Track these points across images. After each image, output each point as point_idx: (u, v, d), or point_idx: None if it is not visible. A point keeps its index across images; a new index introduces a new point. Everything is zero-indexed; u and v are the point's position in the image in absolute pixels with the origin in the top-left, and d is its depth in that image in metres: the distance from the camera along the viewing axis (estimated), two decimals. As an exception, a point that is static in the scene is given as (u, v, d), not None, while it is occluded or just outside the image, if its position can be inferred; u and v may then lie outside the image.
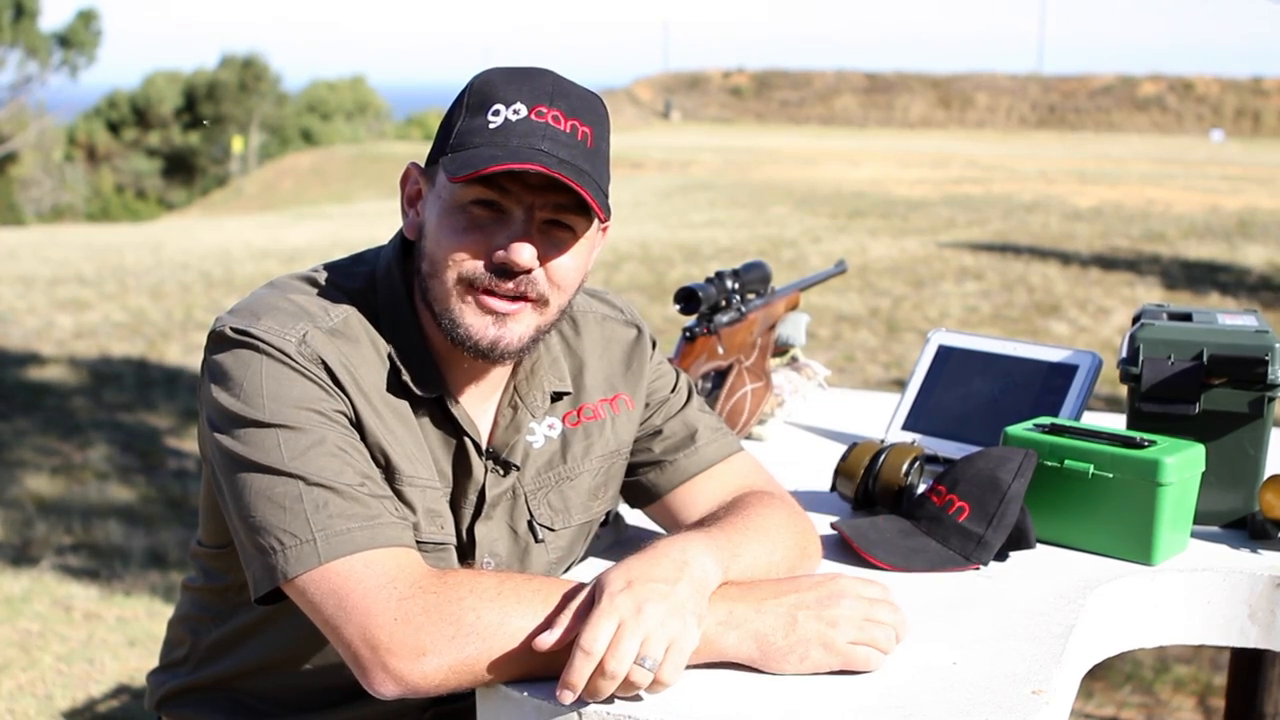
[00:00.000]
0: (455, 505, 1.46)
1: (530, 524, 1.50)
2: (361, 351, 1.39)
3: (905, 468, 1.75)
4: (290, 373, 1.32)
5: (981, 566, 1.58)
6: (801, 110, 59.07)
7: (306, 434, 1.29)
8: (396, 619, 1.20)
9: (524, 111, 1.33)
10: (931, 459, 2.00)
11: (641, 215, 17.03)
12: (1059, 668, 1.29)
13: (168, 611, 3.94)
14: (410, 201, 1.45)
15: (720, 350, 2.11)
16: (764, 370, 2.19)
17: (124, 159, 44.40)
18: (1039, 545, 1.66)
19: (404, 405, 1.41)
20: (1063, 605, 1.47)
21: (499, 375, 1.48)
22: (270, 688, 1.52)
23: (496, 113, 1.34)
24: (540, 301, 1.38)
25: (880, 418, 2.29)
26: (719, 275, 2.12)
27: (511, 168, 1.30)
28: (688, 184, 22.99)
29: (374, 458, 1.36)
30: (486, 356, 1.39)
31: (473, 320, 1.37)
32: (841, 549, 1.63)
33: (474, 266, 1.35)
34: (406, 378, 1.40)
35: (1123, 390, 1.85)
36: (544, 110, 1.34)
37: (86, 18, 39.98)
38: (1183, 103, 53.67)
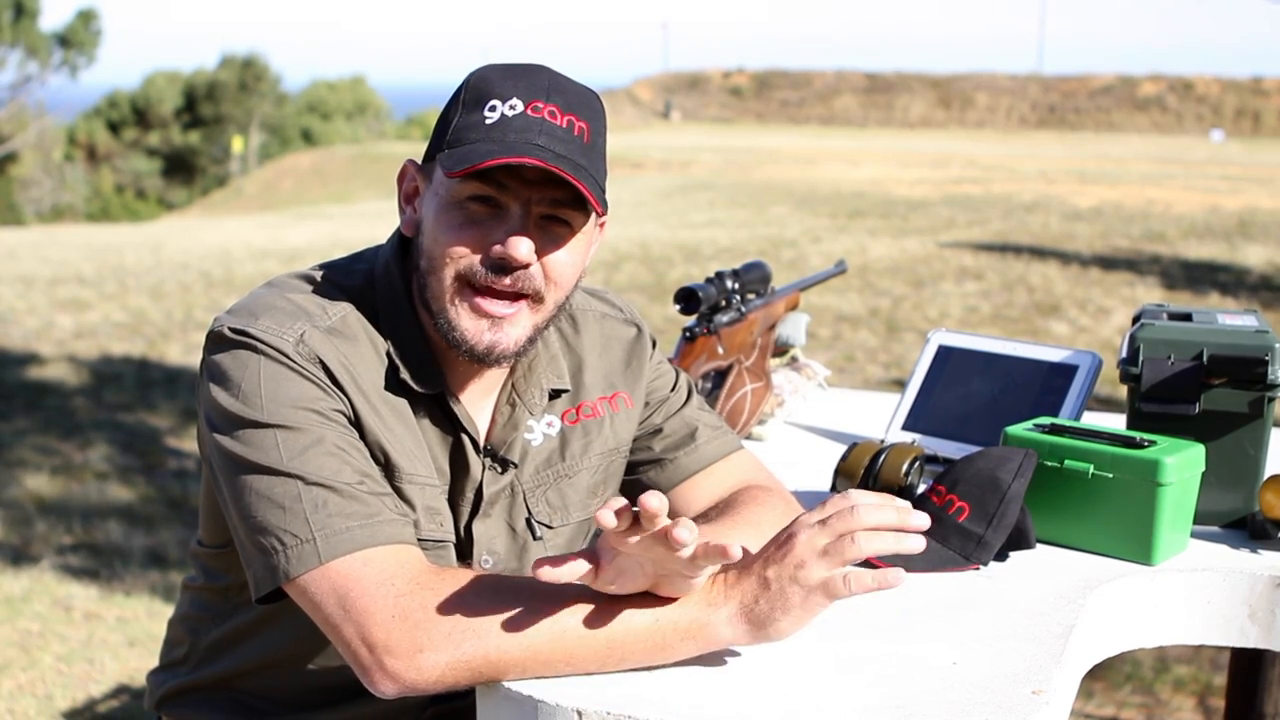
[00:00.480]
0: (453, 503, 1.46)
1: (529, 522, 1.50)
2: (360, 350, 1.39)
3: (905, 468, 1.75)
4: (288, 372, 1.32)
5: (981, 566, 1.58)
6: (801, 110, 59.08)
7: (305, 433, 1.29)
8: (394, 616, 1.20)
9: (520, 107, 1.33)
10: (931, 459, 2.00)
11: (641, 215, 17.03)
12: (1059, 668, 1.29)
13: (168, 611, 3.94)
14: (408, 199, 1.45)
15: (720, 350, 2.11)
16: (764, 370, 2.19)
17: (124, 159, 44.41)
18: (1039, 545, 1.66)
19: (402, 403, 1.41)
20: (1063, 605, 1.47)
21: (498, 373, 1.48)
22: (270, 687, 1.52)
23: (493, 108, 1.34)
24: (537, 298, 1.38)
25: (880, 418, 2.28)
26: (719, 275, 2.12)
27: (508, 161, 1.30)
28: (688, 184, 22.99)
29: (373, 456, 1.36)
30: (482, 361, 1.39)
31: (468, 324, 1.37)
32: (841, 549, 1.63)
33: (471, 262, 1.35)
34: (405, 375, 1.40)
35: (1123, 390, 1.85)
36: (540, 105, 1.34)
37: (86, 18, 39.99)
38: (1183, 103, 53.67)
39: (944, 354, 2.15)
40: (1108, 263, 11.89)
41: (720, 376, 2.10)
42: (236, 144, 41.32)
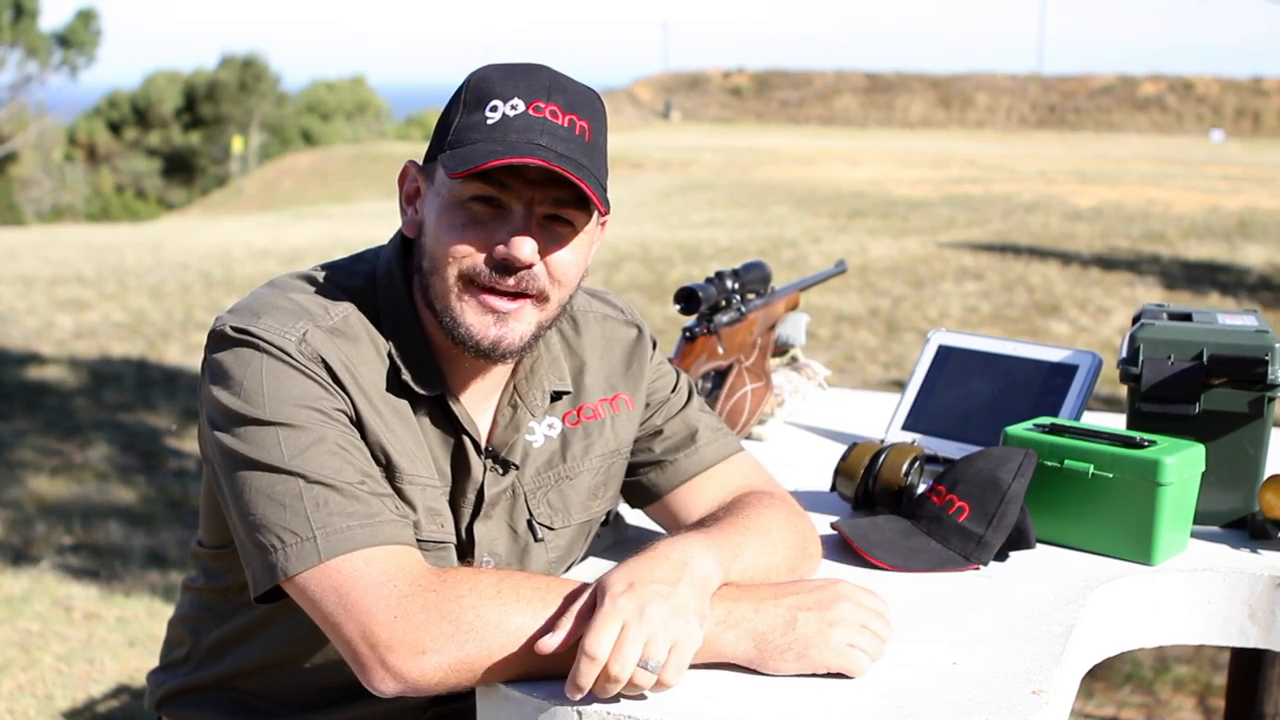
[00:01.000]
0: (454, 504, 1.46)
1: (530, 523, 1.50)
2: (361, 350, 1.39)
3: (905, 468, 1.75)
4: (290, 371, 1.32)
5: (981, 566, 1.58)
6: (801, 110, 59.07)
7: (307, 432, 1.29)
8: (396, 617, 1.20)
9: (522, 107, 1.33)
10: (931, 459, 2.00)
11: (641, 215, 17.03)
12: (1059, 668, 1.29)
13: (168, 611, 3.94)
14: (409, 199, 1.45)
15: (720, 350, 2.11)
16: (764, 370, 2.19)
17: (124, 159, 44.41)
18: (1039, 545, 1.66)
19: (403, 404, 1.41)
20: (1063, 605, 1.47)
21: (499, 374, 1.48)
22: (270, 687, 1.52)
23: (494, 108, 1.34)
24: (541, 297, 1.38)
25: (880, 418, 2.28)
26: (719, 275, 2.12)
27: (511, 162, 1.30)
28: (688, 184, 22.99)
29: (374, 456, 1.36)
30: (488, 356, 1.39)
31: (474, 320, 1.37)
32: (841, 549, 1.63)
33: (474, 262, 1.35)
34: (407, 376, 1.40)
35: (1123, 390, 1.85)
36: (542, 105, 1.34)
37: (86, 18, 39.99)
38: (1183, 103, 53.66)
39: (944, 354, 2.15)
40: (1108, 263, 11.89)
41: (720, 376, 2.10)
42: (236, 144, 41.32)
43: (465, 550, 1.47)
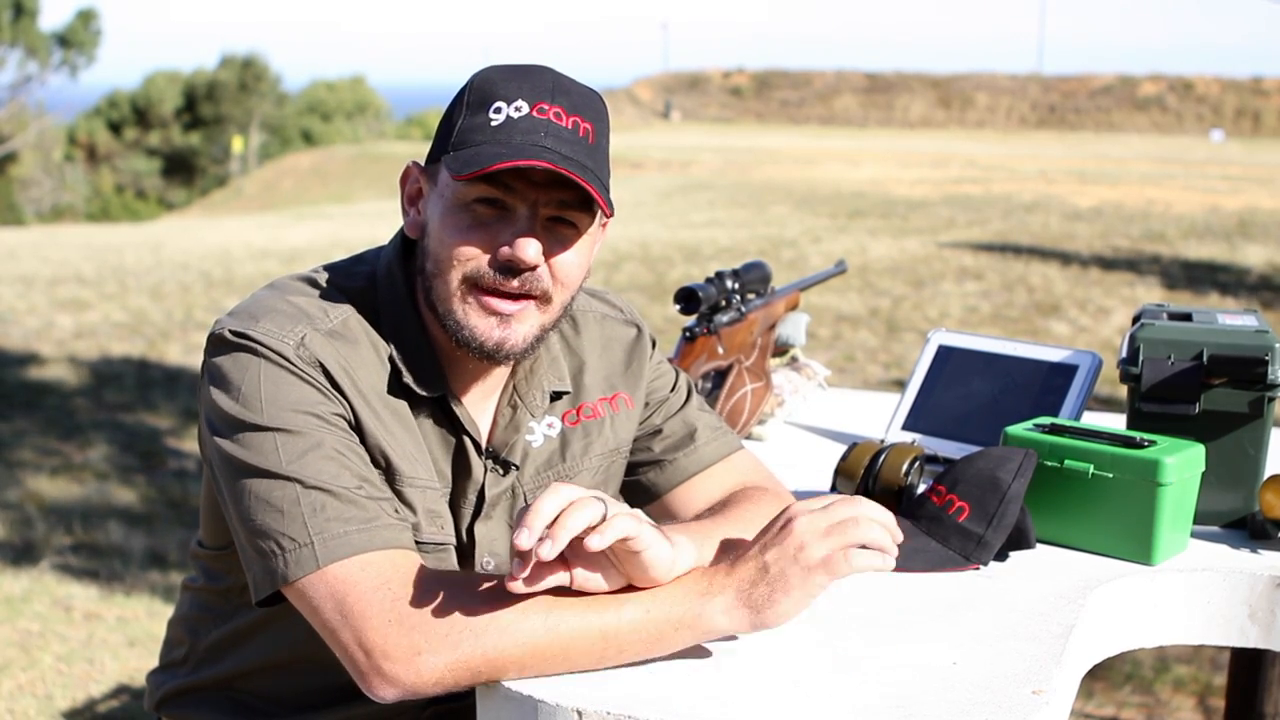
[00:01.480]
0: (455, 505, 1.46)
1: (530, 524, 1.50)
2: (360, 353, 1.39)
3: (905, 468, 1.75)
4: (288, 376, 1.32)
5: (981, 566, 1.58)
6: (801, 110, 59.08)
7: (304, 437, 1.29)
8: (390, 621, 1.20)
9: (525, 109, 1.33)
10: (931, 459, 2.00)
11: (641, 215, 17.03)
12: (1059, 668, 1.29)
13: (168, 611, 3.94)
14: (411, 200, 1.45)
15: (720, 350, 2.11)
16: (764, 370, 2.19)
17: (124, 159, 44.42)
18: (1039, 545, 1.66)
19: (403, 406, 1.41)
20: (1063, 605, 1.47)
21: (499, 374, 1.48)
22: (270, 688, 1.52)
23: (498, 110, 1.34)
24: (544, 299, 1.39)
25: (880, 418, 2.29)
26: (719, 275, 2.12)
27: (517, 164, 1.30)
28: (688, 184, 22.99)
29: (374, 459, 1.36)
30: (492, 357, 1.39)
31: (477, 322, 1.37)
32: (841, 549, 1.63)
33: (479, 264, 1.35)
34: (408, 378, 1.40)
35: (1123, 390, 1.85)
36: (545, 107, 1.34)
37: (86, 17, 39.99)
38: (1183, 103, 53.67)
39: (944, 354, 2.15)
40: (1108, 263, 11.89)
41: (720, 376, 2.10)
42: (236, 144, 41.32)
43: (466, 552, 1.46)
